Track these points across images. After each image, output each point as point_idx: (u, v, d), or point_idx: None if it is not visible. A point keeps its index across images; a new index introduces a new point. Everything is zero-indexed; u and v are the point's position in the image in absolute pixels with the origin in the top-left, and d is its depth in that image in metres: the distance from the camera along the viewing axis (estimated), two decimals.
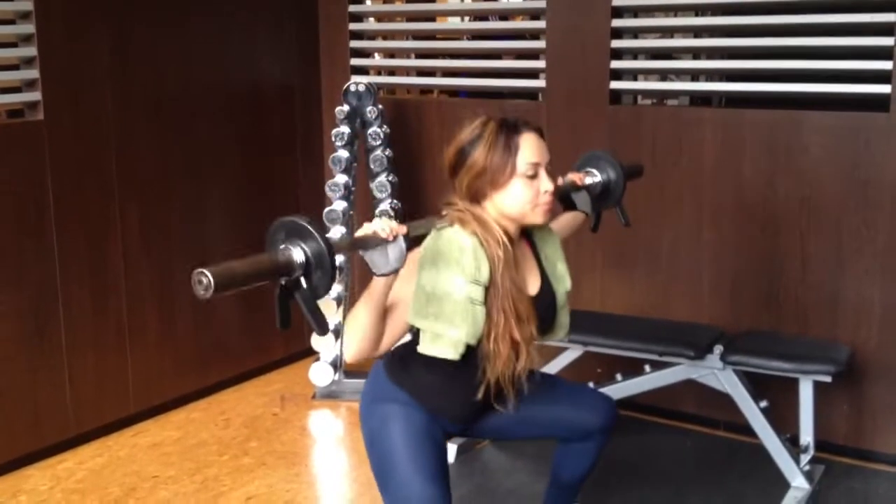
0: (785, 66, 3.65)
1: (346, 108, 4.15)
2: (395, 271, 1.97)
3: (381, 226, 1.93)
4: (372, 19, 4.80)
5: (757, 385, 3.35)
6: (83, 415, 3.74)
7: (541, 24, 4.09)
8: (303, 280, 1.77)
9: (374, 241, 1.93)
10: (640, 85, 4.16)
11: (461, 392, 2.22)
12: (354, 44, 4.57)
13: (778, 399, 3.36)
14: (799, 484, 3.24)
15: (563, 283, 2.35)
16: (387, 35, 4.97)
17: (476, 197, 2.16)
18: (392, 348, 2.18)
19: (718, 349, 3.30)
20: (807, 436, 3.30)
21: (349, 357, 2.08)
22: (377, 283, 1.99)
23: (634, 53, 4.08)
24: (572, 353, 3.62)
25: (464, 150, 2.15)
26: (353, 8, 4.55)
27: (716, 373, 3.32)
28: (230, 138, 4.26)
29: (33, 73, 3.48)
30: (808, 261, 3.58)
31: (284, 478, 3.47)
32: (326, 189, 4.17)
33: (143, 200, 3.89)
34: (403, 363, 2.24)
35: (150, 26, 3.85)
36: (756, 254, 3.69)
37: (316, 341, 4.30)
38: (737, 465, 3.54)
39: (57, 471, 3.52)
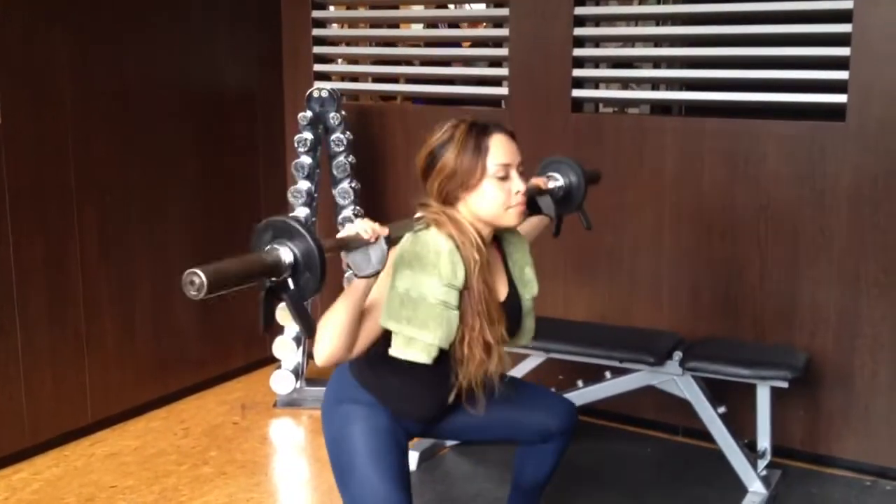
0: (744, 76, 3.69)
1: (308, 113, 4.13)
2: (377, 273, 1.96)
3: (364, 227, 1.92)
4: (335, 25, 4.80)
5: (715, 391, 3.38)
6: (39, 424, 3.68)
7: (504, 31, 4.11)
8: (290, 282, 1.74)
9: (357, 243, 1.92)
10: (602, 93, 4.20)
11: (429, 395, 2.23)
12: (318, 49, 4.55)
13: (736, 405, 3.40)
14: (756, 489, 3.27)
15: (530, 288, 2.35)
16: (350, 41, 4.97)
17: (448, 199, 2.15)
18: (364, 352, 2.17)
19: (678, 356, 3.33)
20: (764, 441, 3.33)
21: (320, 361, 2.05)
22: (357, 285, 1.98)
23: (596, 62, 4.12)
24: (534, 360, 3.64)
25: (434, 153, 2.15)
26: (316, 14, 4.54)
27: (675, 379, 3.34)
28: (191, 143, 4.22)
29: None
30: (765, 268, 3.62)
31: (245, 487, 3.44)
32: (289, 195, 4.15)
33: (101, 207, 3.85)
34: (370, 364, 2.23)
35: (109, 29, 3.81)
36: (715, 261, 3.73)
37: (277, 349, 4.27)
38: (695, 470, 3.57)
39: (12, 481, 3.47)
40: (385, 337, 2.13)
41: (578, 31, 3.89)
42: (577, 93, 3.94)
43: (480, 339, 2.10)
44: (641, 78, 4.38)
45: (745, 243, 3.65)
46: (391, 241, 1.98)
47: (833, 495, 3.39)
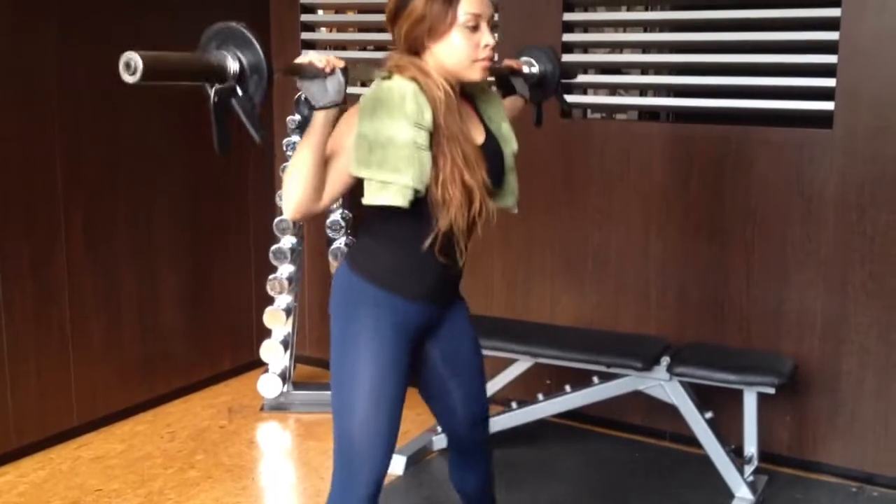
0: (732, 83, 3.71)
1: (297, 117, 4.13)
2: (335, 104, 1.92)
3: (318, 56, 1.89)
4: (324, 29, 4.79)
5: (702, 396, 3.39)
6: (25, 427, 3.66)
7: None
8: (238, 88, 1.69)
9: (311, 71, 1.88)
10: (590, 99, 4.20)
11: (420, 259, 2.13)
12: (305, 53, 4.54)
13: (723, 410, 3.41)
14: (743, 494, 3.28)
15: (509, 143, 2.27)
16: (339, 45, 4.96)
17: (414, 47, 2.10)
18: (331, 206, 2.07)
19: (665, 361, 3.33)
20: (751, 446, 3.34)
21: (289, 212, 2.00)
22: (317, 121, 1.94)
23: (584, 68, 4.12)
24: (522, 365, 3.64)
25: None
26: (305, 17, 4.54)
27: (662, 384, 3.35)
28: (178, 145, 4.20)
29: None
30: (752, 273, 3.63)
31: (231, 491, 3.43)
32: (277, 198, 4.15)
33: (88, 206, 3.83)
34: (360, 248, 2.21)
35: (97, 28, 3.78)
36: (702, 266, 3.74)
37: (265, 353, 4.26)
38: (682, 475, 3.57)
39: None
40: (369, 215, 2.09)
41: (567, 37, 3.91)
42: (565, 98, 3.93)
43: (458, 180, 2.03)
44: (629, 84, 4.40)
45: (732, 249, 3.67)
46: (348, 76, 1.92)
47: (819, 501, 3.40)
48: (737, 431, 3.36)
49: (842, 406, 3.54)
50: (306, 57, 1.90)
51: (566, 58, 3.89)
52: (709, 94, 3.77)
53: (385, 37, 5.12)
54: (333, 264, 4.08)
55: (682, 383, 3.33)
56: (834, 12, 3.36)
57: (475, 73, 2.13)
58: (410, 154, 1.97)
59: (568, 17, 3.89)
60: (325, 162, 1.99)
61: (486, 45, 2.10)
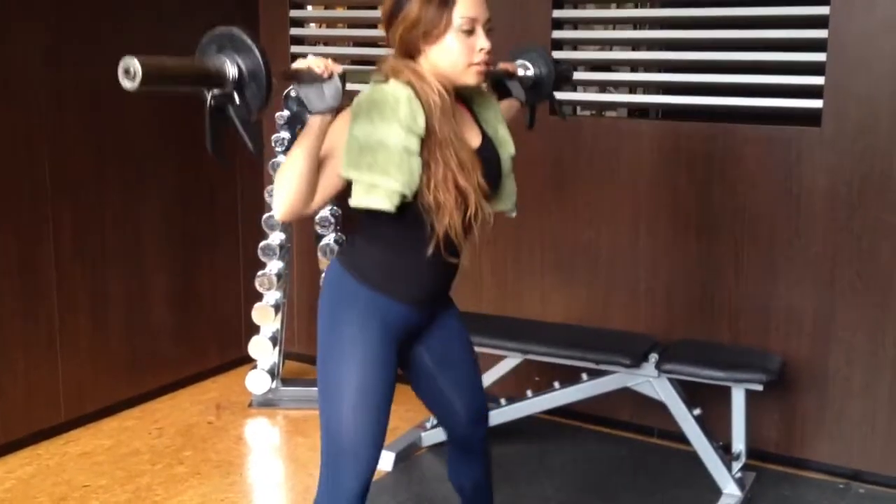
0: (721, 80, 3.72)
1: (286, 113, 4.12)
2: (332, 109, 1.91)
3: (316, 62, 1.88)
4: (313, 25, 4.78)
5: (690, 393, 3.39)
6: (12, 423, 3.64)
7: None
8: (235, 95, 1.67)
9: (309, 77, 1.87)
10: (580, 96, 4.21)
11: (412, 262, 2.13)
12: (295, 49, 4.54)
13: (711, 407, 3.41)
14: (731, 491, 3.29)
15: (506, 147, 2.26)
16: (328, 41, 4.95)
17: (409, 51, 2.09)
18: (322, 208, 2.08)
19: (653, 358, 3.34)
20: (739, 443, 3.35)
21: (280, 214, 2.00)
22: (312, 125, 1.93)
23: (574, 65, 4.11)
24: (511, 361, 3.64)
25: (399, 1, 2.08)
26: (293, 13, 4.52)
27: (651, 381, 3.36)
28: (167, 142, 4.19)
29: None
30: (741, 271, 3.64)
31: (219, 487, 3.42)
32: (266, 194, 4.14)
33: (76, 204, 3.81)
34: (352, 247, 2.20)
35: (85, 26, 3.77)
36: (691, 263, 3.74)
37: (253, 349, 4.25)
38: (670, 472, 3.58)
39: None
40: (362, 216, 2.08)
41: (557, 34, 3.90)
42: (555, 95, 3.93)
43: (451, 184, 2.02)
44: (619, 81, 4.40)
45: (721, 247, 3.67)
46: (346, 81, 1.92)
47: (807, 498, 3.41)
48: (725, 428, 3.37)
49: (829, 403, 3.55)
50: (305, 62, 1.89)
51: (555, 55, 3.89)
52: (698, 92, 3.78)
53: (374, 33, 5.14)
54: (322, 261, 4.07)
55: (670, 380, 3.34)
56: (822, 10, 3.37)
57: (471, 78, 2.12)
58: (401, 159, 1.96)
59: (558, 13, 3.89)
60: (318, 165, 1.98)
61: (482, 50, 2.10)
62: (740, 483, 3.31)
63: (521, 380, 3.78)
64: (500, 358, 3.65)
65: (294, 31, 4.53)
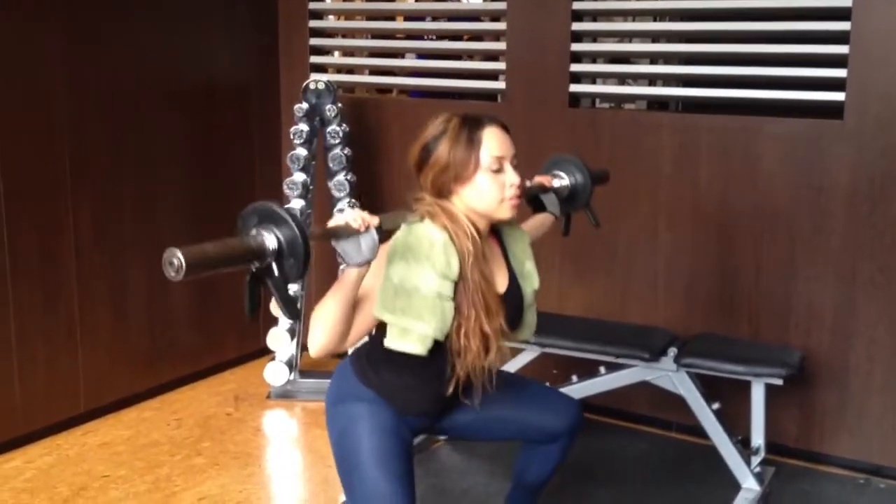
0: (741, 73, 3.69)
1: (304, 105, 4.12)
2: (368, 262, 1.96)
3: (353, 216, 1.92)
4: (332, 17, 4.78)
5: (709, 387, 3.38)
6: (32, 413, 3.67)
7: (501, 25, 4.10)
8: (275, 266, 1.74)
9: (346, 232, 1.92)
10: (599, 88, 4.19)
11: (429, 389, 2.21)
12: (314, 41, 4.54)
13: (730, 401, 3.40)
14: (750, 485, 3.27)
15: (530, 281, 2.33)
16: (347, 33, 4.95)
17: (442, 193, 2.14)
18: (357, 345, 2.17)
19: (673, 352, 3.33)
20: (758, 438, 3.34)
21: (314, 352, 2.04)
22: (349, 274, 1.97)
23: (593, 57, 4.11)
24: (529, 354, 3.63)
25: (427, 147, 2.15)
26: (312, 5, 4.52)
27: (670, 375, 3.35)
28: (185, 134, 4.20)
29: None
30: (761, 265, 3.62)
31: (237, 478, 3.44)
32: (284, 187, 4.15)
33: (95, 196, 3.83)
34: (370, 361, 2.23)
35: (103, 21, 3.79)
36: (710, 257, 3.72)
37: (271, 341, 4.26)
38: (689, 466, 3.57)
39: (5, 470, 3.46)
40: (379, 331, 2.13)
41: (576, 26, 3.89)
42: (574, 88, 3.93)
43: (478, 330, 2.09)
44: (639, 74, 4.38)
45: (741, 240, 3.65)
46: (382, 231, 1.97)
47: (826, 493, 3.40)
48: (744, 423, 3.35)
49: (850, 398, 3.53)
50: (342, 218, 1.94)
51: (575, 47, 3.88)
52: (718, 84, 3.76)
53: (393, 25, 5.14)
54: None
55: (689, 374, 3.32)
56: (845, 2, 3.34)
57: (504, 213, 2.18)
58: (434, 304, 2.02)
59: (577, 5, 3.87)
60: (352, 310, 2.02)
61: (513, 185, 2.15)
62: (759, 478, 3.30)
63: (540, 373, 3.77)
64: (518, 351, 3.64)
65: (313, 23, 4.53)
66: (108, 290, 3.94)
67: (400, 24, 5.06)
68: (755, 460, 3.32)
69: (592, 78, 4.11)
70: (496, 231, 2.30)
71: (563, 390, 3.54)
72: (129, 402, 4.06)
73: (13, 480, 3.38)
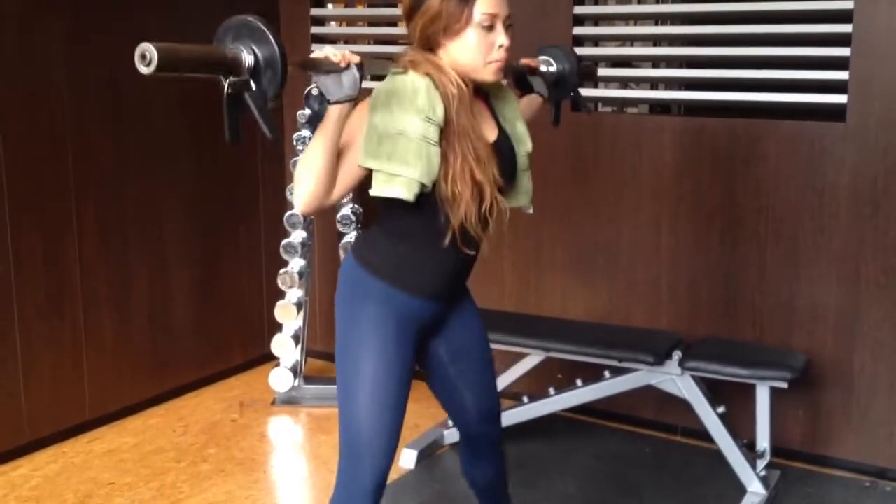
0: (743, 76, 3.69)
1: (307, 111, 4.13)
2: (350, 98, 1.93)
3: (333, 51, 1.90)
4: (334, 23, 4.79)
5: (714, 391, 3.38)
6: (38, 421, 3.67)
7: None
8: (252, 82, 1.70)
9: (326, 66, 1.89)
10: (601, 92, 4.19)
11: (428, 254, 2.15)
12: (316, 47, 4.54)
13: (735, 405, 3.40)
14: (755, 489, 3.27)
15: (523, 143, 2.27)
16: (349, 39, 4.96)
17: (429, 44, 2.10)
18: (342, 200, 2.09)
19: (677, 355, 3.33)
20: (763, 441, 3.33)
21: (300, 206, 2.01)
22: (331, 115, 1.95)
23: (595, 61, 4.10)
24: (533, 359, 3.63)
25: None
26: (314, 11, 4.53)
27: (674, 379, 3.34)
28: (188, 140, 4.21)
29: None
30: (764, 268, 3.62)
31: (243, 485, 3.44)
32: (287, 192, 4.15)
33: (100, 201, 3.84)
34: (367, 244, 2.22)
35: (105, 21, 3.79)
36: (714, 260, 3.72)
37: (276, 347, 4.27)
38: (694, 470, 3.57)
39: (11, 478, 3.46)
40: (379, 209, 2.10)
41: (578, 31, 3.89)
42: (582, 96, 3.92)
43: (468, 175, 2.04)
44: (640, 77, 4.37)
45: (744, 243, 3.65)
46: (364, 70, 1.93)
47: (832, 496, 3.39)
48: (749, 426, 3.35)
49: (855, 400, 3.52)
50: (322, 51, 1.91)
51: (576, 51, 3.87)
52: (720, 87, 3.76)
53: (395, 31, 5.14)
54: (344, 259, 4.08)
55: (693, 378, 3.32)
56: (847, 4, 3.34)
57: (488, 75, 2.13)
58: (419, 148, 1.98)
59: (578, 9, 3.87)
60: (337, 156, 2.00)
61: (501, 46, 2.10)
62: (765, 481, 3.29)
63: (544, 378, 3.77)
64: (522, 355, 3.64)
65: (315, 29, 4.54)
66: (113, 296, 3.94)
67: (402, 30, 5.06)
68: (760, 464, 3.32)
69: (595, 82, 4.10)
70: (484, 93, 2.24)
71: (568, 395, 3.58)
72: (134, 409, 4.06)
73: (19, 488, 3.39)
